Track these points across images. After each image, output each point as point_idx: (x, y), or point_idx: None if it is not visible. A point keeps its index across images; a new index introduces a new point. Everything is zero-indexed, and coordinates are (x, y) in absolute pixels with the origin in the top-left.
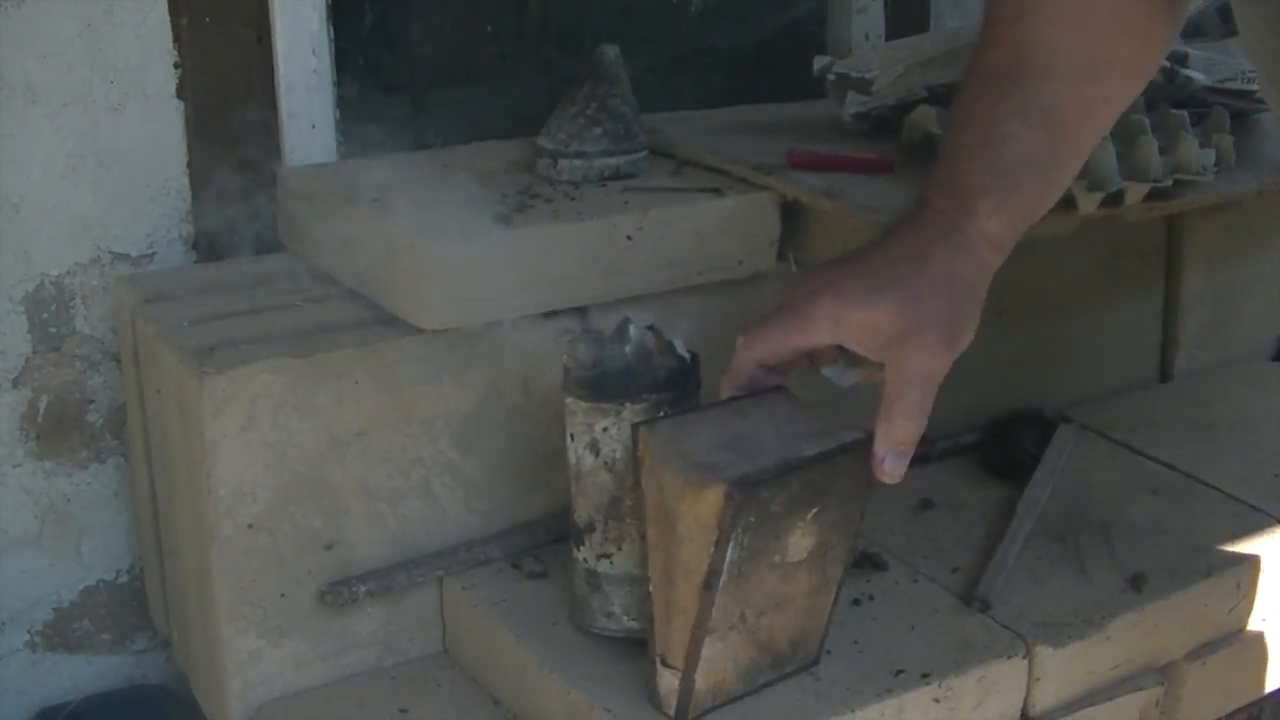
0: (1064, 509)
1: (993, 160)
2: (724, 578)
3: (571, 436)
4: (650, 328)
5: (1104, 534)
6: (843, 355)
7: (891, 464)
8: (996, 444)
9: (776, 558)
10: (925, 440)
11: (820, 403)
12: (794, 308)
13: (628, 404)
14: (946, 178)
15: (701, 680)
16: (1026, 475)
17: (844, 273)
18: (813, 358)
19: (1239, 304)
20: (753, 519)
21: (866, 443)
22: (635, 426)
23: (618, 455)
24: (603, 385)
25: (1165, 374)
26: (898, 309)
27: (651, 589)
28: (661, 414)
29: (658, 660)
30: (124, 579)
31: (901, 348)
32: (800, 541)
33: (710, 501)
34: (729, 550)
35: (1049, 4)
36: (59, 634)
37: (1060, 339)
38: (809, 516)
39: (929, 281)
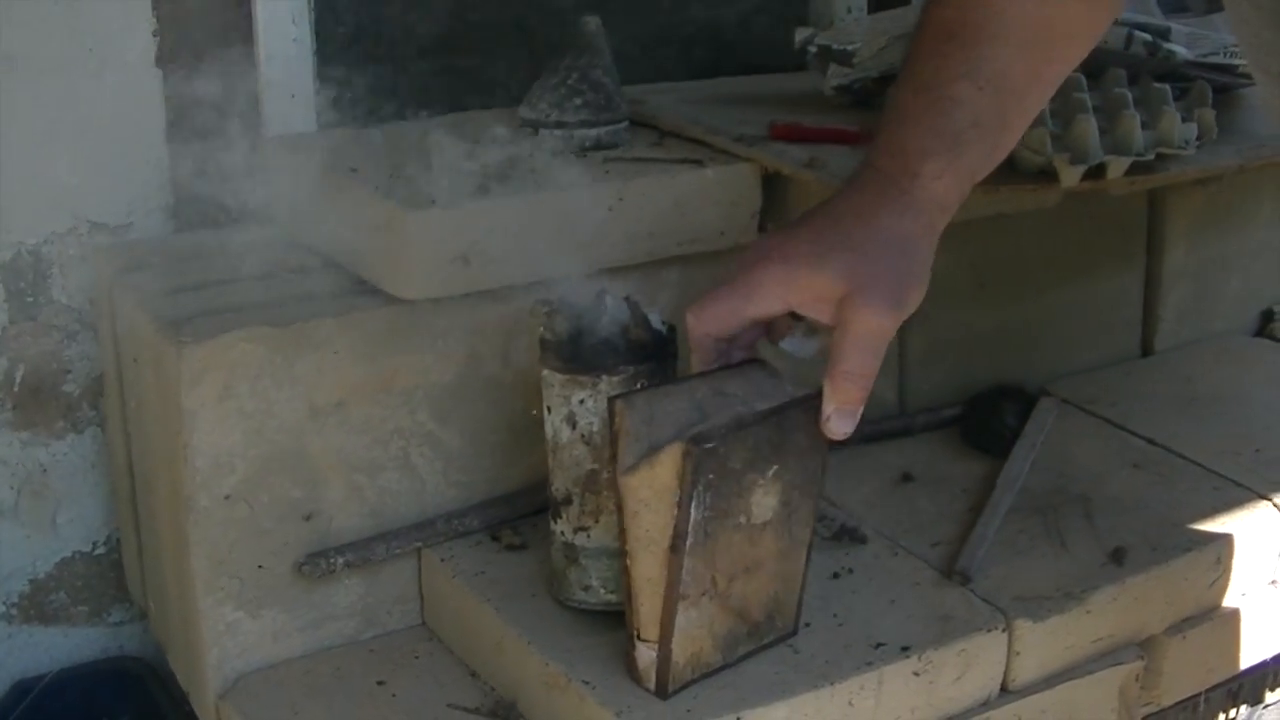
0: (1045, 483)
1: (940, 124)
2: (690, 540)
3: (548, 409)
4: (627, 299)
5: (1084, 508)
6: (800, 326)
7: (838, 422)
8: (977, 418)
9: (741, 518)
10: (905, 414)
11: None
12: (741, 276)
13: (604, 376)
14: (893, 140)
15: (679, 651)
16: (1007, 449)
17: (790, 237)
18: (771, 332)
19: (1221, 279)
20: (712, 476)
21: (817, 398)
22: (611, 399)
23: (595, 428)
24: (579, 357)
25: (1147, 349)
26: (845, 270)
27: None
28: (638, 386)
29: (634, 635)
30: (101, 550)
31: (848, 308)
32: (764, 501)
33: (667, 464)
34: (692, 510)
35: None
36: (35, 606)
37: (1042, 313)
38: (769, 474)
39: (875, 243)
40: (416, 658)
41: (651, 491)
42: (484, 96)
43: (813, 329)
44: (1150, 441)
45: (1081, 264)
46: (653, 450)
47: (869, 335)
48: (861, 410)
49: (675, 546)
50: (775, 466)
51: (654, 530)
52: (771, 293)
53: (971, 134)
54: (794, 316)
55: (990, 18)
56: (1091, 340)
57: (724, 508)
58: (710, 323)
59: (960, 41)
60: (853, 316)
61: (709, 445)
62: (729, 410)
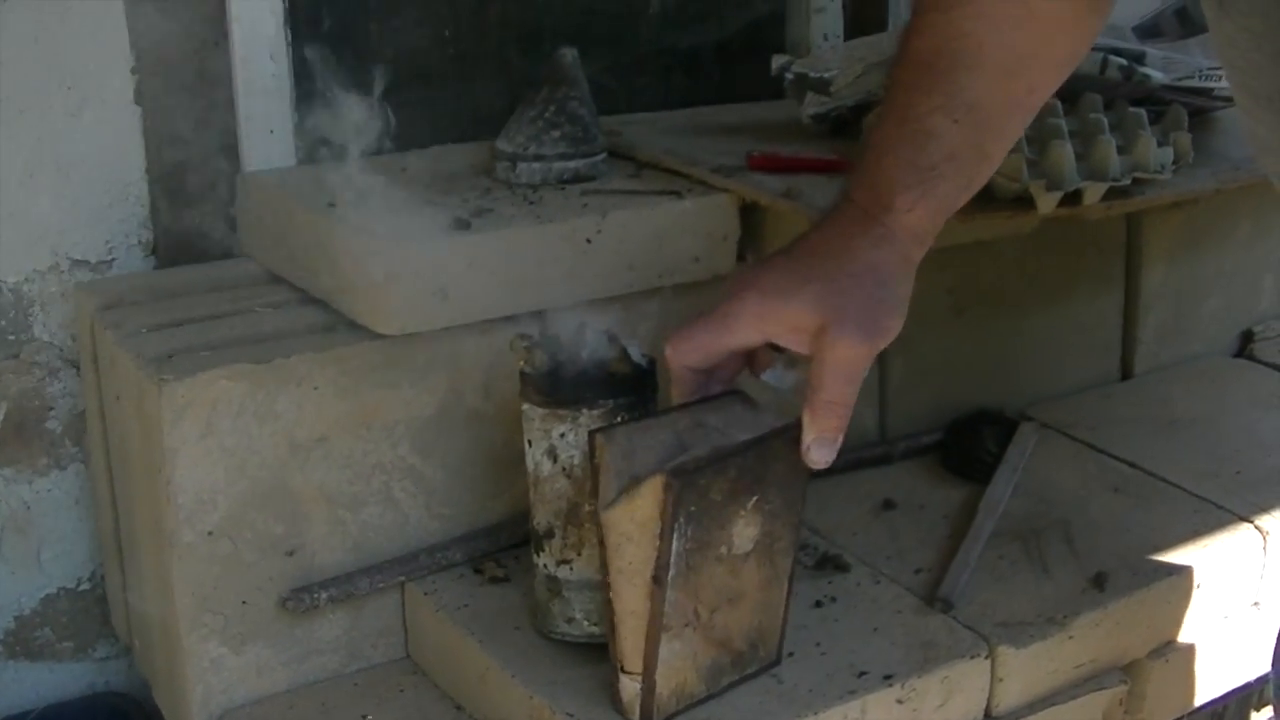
0: (1026, 508)
1: (914, 156)
2: (672, 571)
3: (529, 442)
4: (607, 332)
5: (1066, 533)
6: (780, 358)
7: (818, 451)
8: (958, 444)
9: (723, 549)
10: (886, 441)
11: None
12: (719, 309)
13: (585, 410)
14: (868, 173)
15: (663, 683)
16: (988, 475)
17: (767, 269)
18: (752, 364)
19: (1199, 301)
20: (693, 508)
21: (797, 428)
22: (591, 433)
23: (576, 461)
24: (560, 391)
25: (1126, 372)
26: (820, 301)
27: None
28: (619, 419)
29: (618, 668)
30: (85, 586)
31: (824, 339)
32: (745, 531)
33: (648, 496)
34: (674, 542)
35: None
36: (20, 642)
37: (1021, 338)
38: (750, 505)
39: (850, 274)
40: (401, 691)
41: (633, 524)
42: (464, 129)
43: (793, 360)
44: (1131, 465)
45: (1060, 288)
46: (634, 483)
47: (845, 365)
48: (841, 439)
49: (658, 578)
50: (756, 497)
51: (636, 562)
52: (748, 324)
53: (946, 167)
54: (774, 348)
55: (968, 48)
56: (1071, 364)
57: (705, 539)
58: (688, 355)
59: (937, 72)
60: (829, 347)
61: (690, 476)
62: (709, 442)
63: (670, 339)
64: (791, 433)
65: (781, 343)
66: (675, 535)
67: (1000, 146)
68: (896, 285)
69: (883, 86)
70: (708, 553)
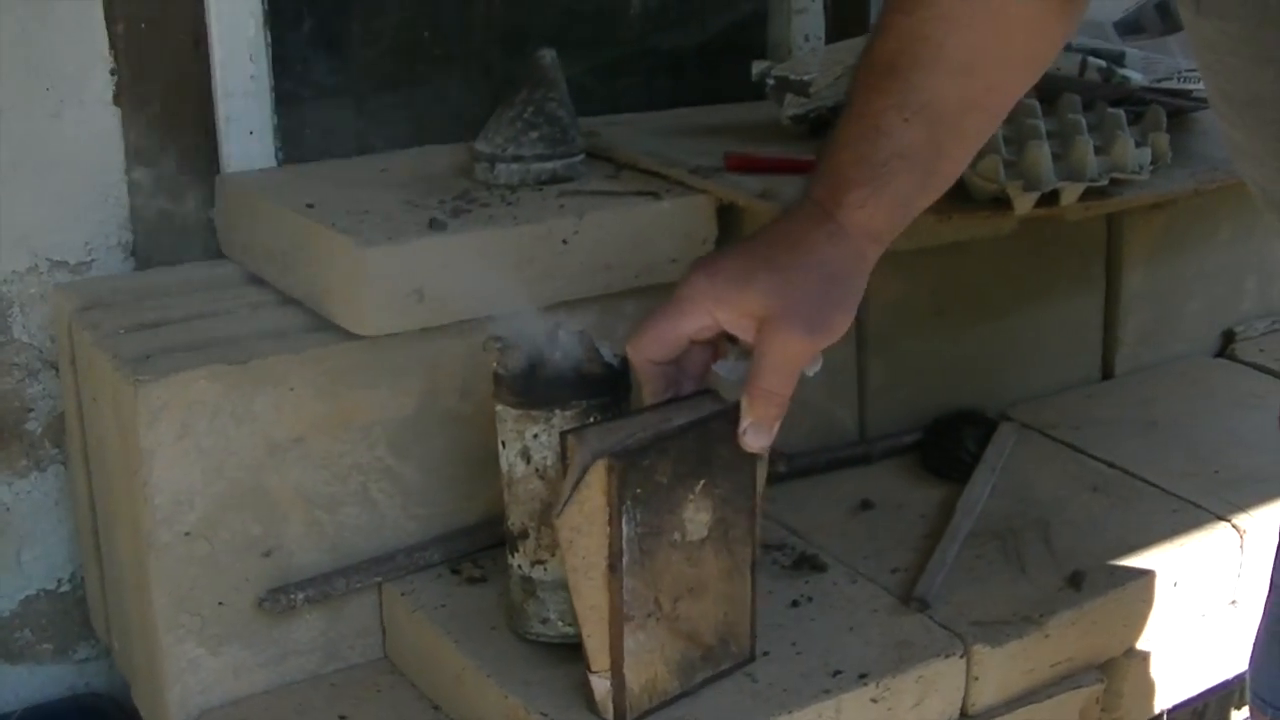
0: (1004, 508)
1: (867, 153)
2: (626, 558)
3: (503, 443)
4: (580, 333)
5: (1043, 532)
6: (734, 349)
7: (753, 435)
8: (937, 444)
9: (676, 535)
10: (865, 441)
11: None
12: (673, 295)
13: (558, 411)
14: (827, 168)
15: (633, 678)
16: (967, 475)
17: (723, 255)
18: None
19: (1180, 300)
20: (639, 490)
21: (737, 410)
22: (563, 434)
23: (549, 462)
24: (533, 392)
25: (1107, 372)
26: (768, 291)
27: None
28: (591, 420)
29: (588, 669)
30: (65, 588)
31: (768, 329)
32: (697, 516)
33: (594, 484)
34: (624, 526)
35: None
36: (0, 644)
37: (1001, 338)
38: (698, 488)
39: (801, 267)
40: (378, 691)
41: (583, 516)
42: (445, 130)
43: (745, 351)
44: (1110, 465)
45: (1040, 288)
46: (580, 474)
47: (785, 357)
48: (777, 426)
49: (613, 565)
50: (703, 480)
51: (590, 555)
52: (699, 307)
53: (897, 164)
54: (730, 340)
55: (926, 48)
56: (1051, 364)
57: (656, 524)
58: (649, 347)
59: (895, 73)
60: (770, 338)
61: (632, 458)
62: (655, 428)
63: (630, 338)
64: (732, 415)
65: (729, 329)
66: (624, 520)
67: (961, 146)
68: (847, 282)
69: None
70: (661, 538)
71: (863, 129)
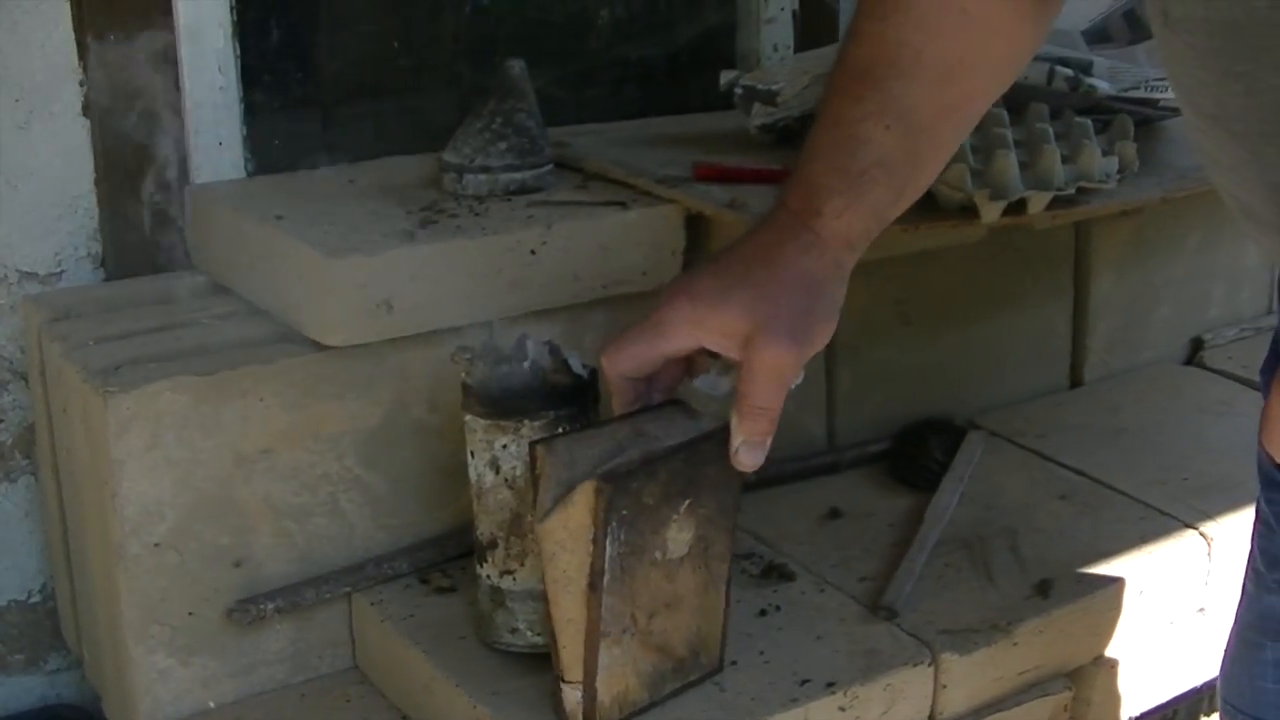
0: (972, 516)
1: (845, 162)
2: (607, 577)
3: (472, 454)
4: (548, 344)
5: (1011, 541)
6: (715, 364)
7: (746, 454)
8: (905, 452)
9: (657, 553)
10: (834, 450)
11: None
12: (651, 315)
13: (526, 421)
14: (801, 178)
15: (604, 691)
16: (935, 483)
17: (699, 275)
18: (691, 371)
19: (1149, 308)
20: (625, 512)
21: (727, 432)
22: (532, 444)
23: (518, 472)
24: (501, 402)
25: (1076, 379)
26: (749, 307)
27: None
28: (560, 430)
29: (559, 678)
30: (36, 599)
31: (753, 344)
32: (679, 536)
33: (581, 503)
34: (607, 547)
35: (917, 4)
36: None
37: (970, 346)
38: (683, 509)
39: (780, 280)
40: (348, 701)
41: (566, 532)
42: (414, 141)
43: (727, 366)
44: (1078, 472)
45: (1009, 296)
46: (566, 491)
47: (773, 371)
48: (769, 442)
49: (594, 584)
50: (688, 500)
51: (571, 570)
52: (680, 330)
53: (876, 172)
54: (709, 354)
55: (904, 54)
56: (1020, 372)
57: (639, 543)
58: (624, 363)
59: (873, 79)
60: (758, 352)
61: (621, 481)
62: (644, 448)
63: (605, 350)
64: (721, 436)
65: (713, 348)
66: (609, 540)
67: (937, 154)
68: (827, 291)
69: (820, 95)
70: (642, 557)
71: (838, 138)
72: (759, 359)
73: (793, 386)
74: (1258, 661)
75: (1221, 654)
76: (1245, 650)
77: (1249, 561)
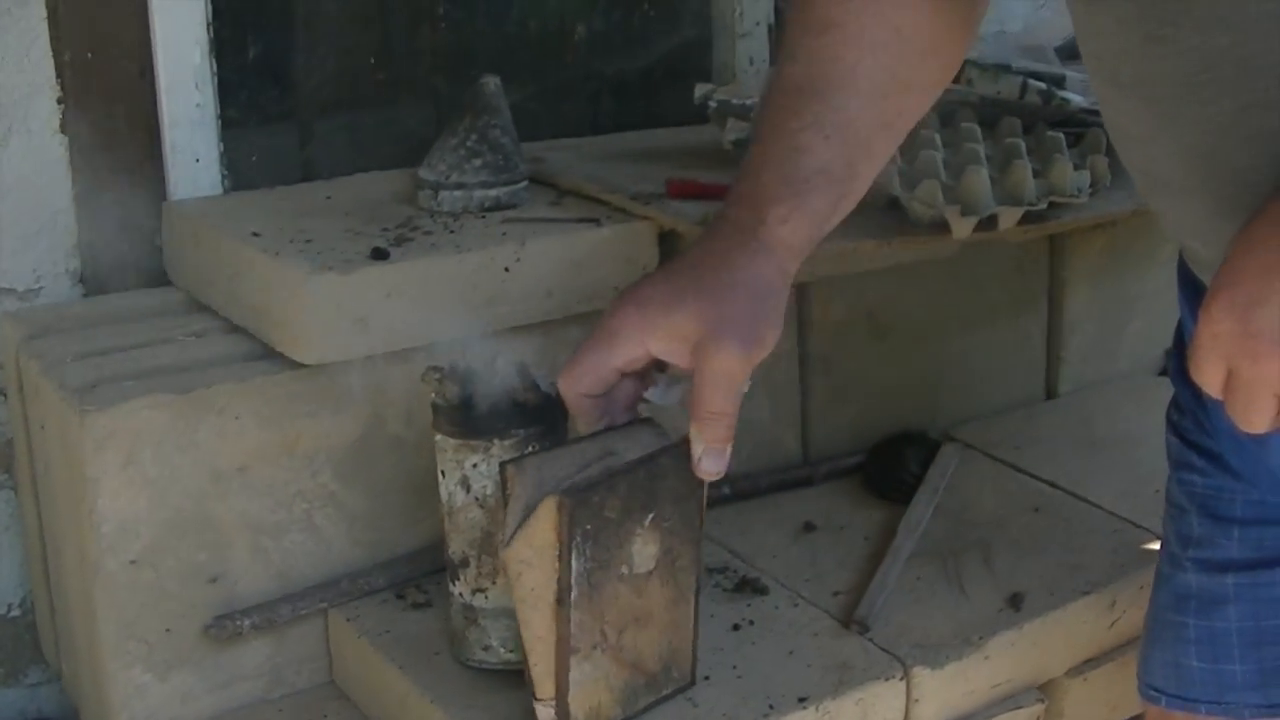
0: (945, 529)
1: (788, 172)
2: (575, 592)
3: (443, 473)
4: (518, 363)
5: (984, 553)
6: (663, 376)
7: (709, 461)
8: (879, 466)
9: (624, 568)
10: (808, 463)
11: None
12: (601, 328)
13: (496, 440)
14: (745, 189)
15: (576, 706)
16: (910, 496)
17: (647, 284)
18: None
19: (1123, 320)
20: (589, 526)
21: (686, 444)
22: (502, 465)
23: (489, 491)
24: (471, 422)
25: (1051, 391)
26: (698, 313)
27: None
28: (530, 449)
29: (533, 697)
30: (16, 613)
31: (703, 350)
32: (644, 549)
33: (544, 519)
34: (573, 562)
35: (851, 22)
36: None
37: (944, 359)
38: (647, 522)
39: (728, 286)
40: (324, 716)
41: (532, 549)
42: (390, 157)
43: (675, 377)
44: (1052, 485)
45: (983, 309)
46: (528, 510)
47: (724, 376)
48: (730, 448)
49: (561, 600)
50: (652, 514)
51: (538, 587)
52: (630, 338)
53: (818, 180)
54: (659, 367)
55: (840, 71)
56: (995, 385)
57: (605, 558)
58: (580, 380)
59: (810, 94)
60: (708, 358)
61: (582, 495)
62: (606, 465)
63: (561, 372)
64: (680, 449)
65: (663, 356)
66: (574, 555)
67: (869, 167)
68: (773, 296)
69: (757, 113)
70: (609, 572)
71: (781, 149)
72: (710, 364)
73: (742, 392)
74: (1179, 640)
75: (1140, 644)
76: (1165, 631)
77: (1161, 547)
